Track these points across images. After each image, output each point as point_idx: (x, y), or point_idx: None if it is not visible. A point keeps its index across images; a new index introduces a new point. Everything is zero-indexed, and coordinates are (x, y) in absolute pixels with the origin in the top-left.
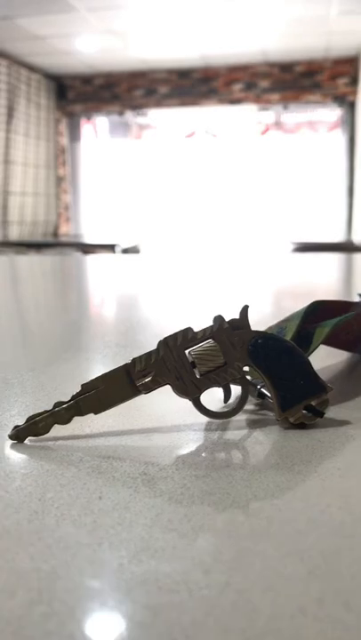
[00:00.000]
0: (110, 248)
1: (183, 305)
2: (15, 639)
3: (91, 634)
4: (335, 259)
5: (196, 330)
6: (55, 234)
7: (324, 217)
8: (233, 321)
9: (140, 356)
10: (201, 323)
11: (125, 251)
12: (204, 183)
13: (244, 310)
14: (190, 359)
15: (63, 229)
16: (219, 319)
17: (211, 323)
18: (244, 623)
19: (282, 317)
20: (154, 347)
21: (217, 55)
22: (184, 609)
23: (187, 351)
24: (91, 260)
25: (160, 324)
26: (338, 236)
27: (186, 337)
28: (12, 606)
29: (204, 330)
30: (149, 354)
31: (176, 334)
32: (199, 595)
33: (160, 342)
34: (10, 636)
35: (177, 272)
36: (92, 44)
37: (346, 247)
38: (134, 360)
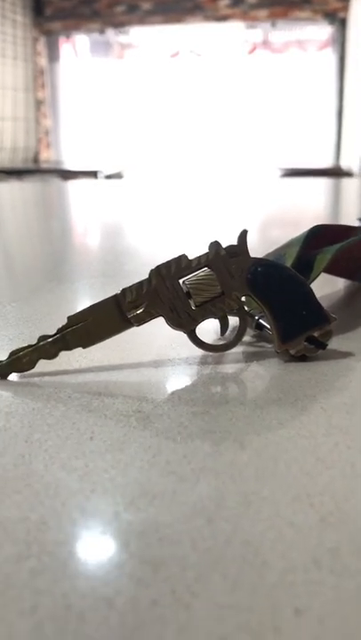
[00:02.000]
0: (93, 175)
1: (170, 232)
2: (2, 599)
3: (85, 592)
4: (323, 184)
5: (190, 257)
6: (36, 160)
7: (313, 141)
8: (230, 247)
9: (130, 286)
10: (189, 251)
11: (109, 177)
12: (189, 105)
13: (243, 236)
14: (185, 289)
15: (44, 155)
16: (215, 245)
17: (204, 250)
18: (255, 578)
19: (271, 247)
20: (143, 276)
21: None
22: (188, 563)
23: (181, 280)
24: (73, 186)
25: (147, 252)
26: (327, 161)
27: (180, 265)
28: None
29: (200, 257)
30: (140, 283)
31: (169, 262)
32: (203, 547)
33: (152, 271)
34: None
35: (162, 199)
36: None
37: (334, 172)
38: (124, 290)
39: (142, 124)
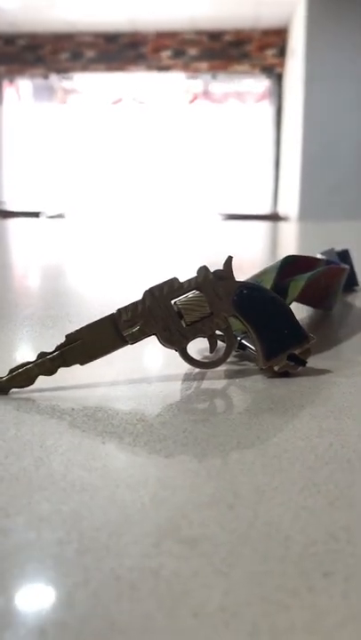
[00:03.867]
0: (35, 216)
1: (113, 273)
2: (55, 574)
3: (131, 566)
4: (262, 227)
5: (181, 280)
6: None
7: (252, 188)
8: (218, 272)
9: (125, 307)
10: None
11: (51, 217)
12: (131, 151)
13: (229, 261)
14: (176, 309)
15: None
16: (204, 270)
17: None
18: (282, 551)
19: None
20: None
21: (145, 20)
22: (219, 541)
23: (172, 301)
24: (13, 225)
25: (90, 294)
26: (265, 208)
27: (172, 287)
28: (42, 545)
29: (190, 280)
30: (135, 304)
31: (162, 284)
32: (230, 527)
33: (146, 292)
34: (50, 571)
35: (104, 240)
36: (14, 2)
37: (272, 218)
38: (120, 310)
39: (85, 167)
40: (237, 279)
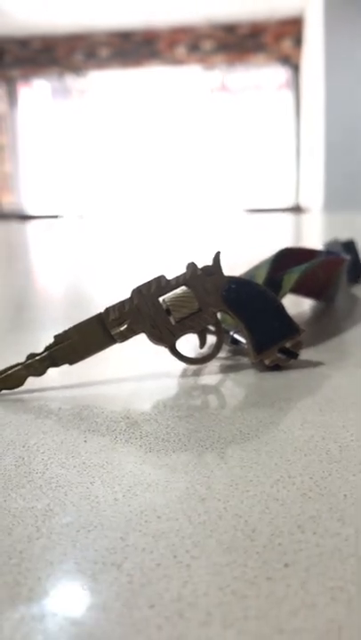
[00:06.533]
0: (53, 218)
1: (131, 273)
2: (18, 570)
3: (95, 559)
4: (285, 220)
5: (168, 277)
6: None
7: (274, 180)
8: (206, 267)
9: (113, 305)
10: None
11: (69, 220)
12: (150, 147)
13: (217, 256)
14: (165, 306)
15: (4, 200)
16: (192, 266)
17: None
18: (246, 542)
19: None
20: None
21: (159, 16)
22: (185, 534)
23: (161, 298)
24: (33, 227)
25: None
26: (287, 201)
27: (160, 284)
28: (12, 542)
29: (178, 277)
30: (122, 303)
31: (150, 282)
32: (198, 520)
33: (133, 291)
34: (13, 567)
35: (126, 238)
36: (27, 5)
37: (294, 210)
38: (107, 309)
39: (104, 165)
40: (226, 274)
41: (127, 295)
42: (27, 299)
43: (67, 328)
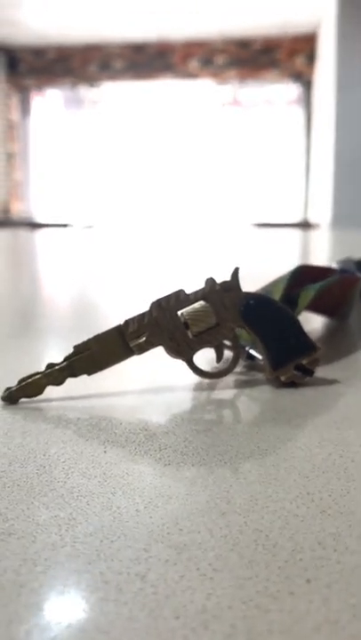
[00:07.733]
0: (63, 227)
1: (142, 285)
2: (45, 578)
3: (119, 570)
4: (293, 234)
5: (187, 292)
6: (6, 212)
7: (283, 195)
8: (224, 283)
9: (132, 318)
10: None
11: (79, 229)
12: (161, 159)
13: (235, 272)
14: (183, 320)
15: (15, 208)
16: (210, 281)
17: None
18: (268, 557)
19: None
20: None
21: (173, 30)
22: (207, 547)
23: (179, 312)
24: (42, 235)
25: (125, 307)
26: (296, 216)
27: (178, 298)
28: (37, 549)
29: (196, 292)
30: (142, 315)
31: (169, 296)
32: (220, 534)
33: (153, 304)
34: (40, 575)
35: (133, 250)
36: (43, 15)
37: (302, 226)
38: (127, 321)
39: (114, 177)
40: (244, 290)
41: (144, 308)
42: (33, 307)
43: (86, 339)
